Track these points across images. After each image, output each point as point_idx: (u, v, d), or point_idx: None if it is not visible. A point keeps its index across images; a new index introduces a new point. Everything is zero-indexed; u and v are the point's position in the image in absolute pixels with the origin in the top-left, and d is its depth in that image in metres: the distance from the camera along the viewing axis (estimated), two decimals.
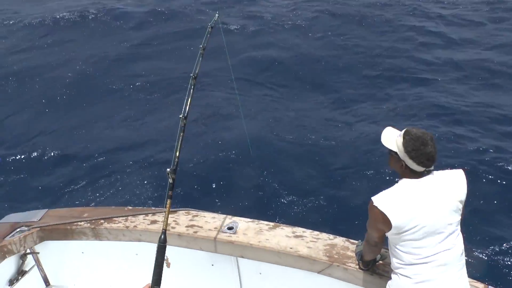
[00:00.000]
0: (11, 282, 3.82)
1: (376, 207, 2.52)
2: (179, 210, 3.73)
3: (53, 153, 8.08)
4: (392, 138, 2.62)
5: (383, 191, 2.59)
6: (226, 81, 9.33)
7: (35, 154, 8.13)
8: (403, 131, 2.58)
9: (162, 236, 2.74)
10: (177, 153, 2.90)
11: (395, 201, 2.52)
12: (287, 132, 7.90)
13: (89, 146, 8.13)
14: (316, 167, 6.93)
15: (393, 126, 2.72)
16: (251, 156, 6.14)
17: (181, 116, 3.03)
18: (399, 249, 2.57)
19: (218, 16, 3.90)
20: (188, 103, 3.10)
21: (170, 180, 2.82)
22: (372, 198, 2.57)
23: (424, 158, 2.49)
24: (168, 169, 2.82)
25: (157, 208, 3.80)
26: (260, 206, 6.03)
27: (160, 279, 2.70)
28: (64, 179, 7.41)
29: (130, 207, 3.91)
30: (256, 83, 9.76)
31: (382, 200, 2.53)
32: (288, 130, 7.98)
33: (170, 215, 3.63)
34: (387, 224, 2.50)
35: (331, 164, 7.00)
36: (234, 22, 12.80)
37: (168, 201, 2.83)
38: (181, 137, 2.96)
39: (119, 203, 6.52)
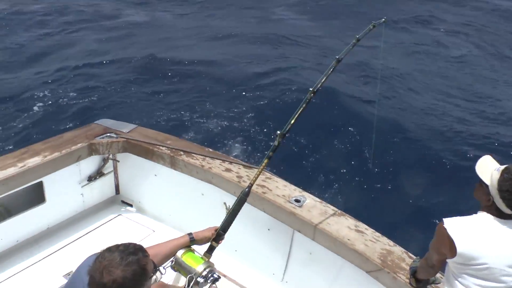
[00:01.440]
0: (90, 178, 4.17)
1: (446, 229, 2.40)
2: (256, 168, 3.81)
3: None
4: (488, 170, 2.45)
5: (458, 216, 2.46)
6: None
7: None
8: (504, 167, 2.39)
9: (247, 190, 2.88)
10: (292, 121, 2.97)
11: (467, 230, 2.40)
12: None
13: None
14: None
15: (493, 157, 2.56)
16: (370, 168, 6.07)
17: (311, 89, 3.08)
18: (457, 280, 2.46)
19: (384, 20, 3.79)
20: (322, 80, 3.14)
21: (276, 143, 2.93)
22: (444, 219, 2.45)
23: None
24: (279, 132, 2.92)
25: (234, 159, 3.92)
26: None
27: (228, 227, 2.84)
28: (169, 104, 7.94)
29: (210, 149, 4.05)
30: None
31: (453, 225, 2.41)
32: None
33: (245, 169, 3.73)
34: (452, 250, 2.38)
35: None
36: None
37: (266, 161, 2.94)
38: (302, 108, 3.02)
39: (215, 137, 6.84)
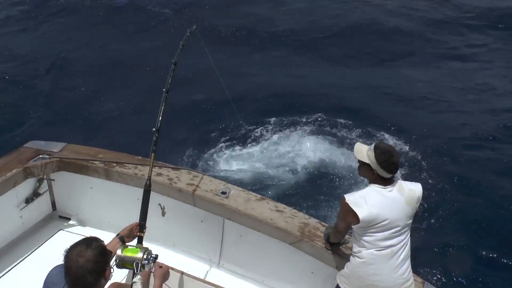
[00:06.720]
0: (27, 200, 4.39)
1: (348, 204, 3.04)
2: (183, 169, 4.26)
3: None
4: (363, 152, 3.15)
5: (355, 191, 3.14)
6: None
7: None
8: (373, 145, 3.13)
9: (148, 182, 3.46)
10: (160, 118, 3.59)
11: (364, 201, 3.04)
12: None
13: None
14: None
15: (361, 141, 3.26)
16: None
17: (164, 90, 3.69)
18: (361, 239, 3.09)
19: (193, 29, 4.29)
20: (169, 81, 3.76)
21: (154, 138, 3.52)
22: (345, 195, 3.11)
23: (393, 167, 3.06)
24: (154, 129, 3.53)
25: (163, 163, 4.32)
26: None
27: (146, 216, 3.38)
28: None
29: (140, 157, 4.43)
30: None
31: (353, 199, 3.06)
32: None
33: (173, 171, 4.18)
34: (356, 219, 3.02)
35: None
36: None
37: (153, 155, 3.54)
38: (163, 106, 3.62)
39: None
